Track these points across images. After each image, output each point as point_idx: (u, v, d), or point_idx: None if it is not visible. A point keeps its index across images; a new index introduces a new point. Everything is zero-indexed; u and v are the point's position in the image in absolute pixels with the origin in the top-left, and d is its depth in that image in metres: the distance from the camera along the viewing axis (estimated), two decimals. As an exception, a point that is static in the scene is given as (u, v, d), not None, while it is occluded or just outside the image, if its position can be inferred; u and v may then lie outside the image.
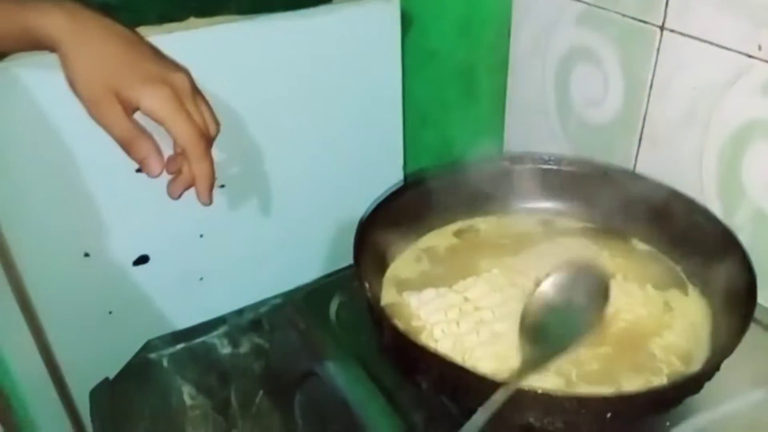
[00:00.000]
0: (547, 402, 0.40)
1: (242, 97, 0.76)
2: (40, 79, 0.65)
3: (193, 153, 0.58)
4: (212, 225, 0.82)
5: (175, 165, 0.61)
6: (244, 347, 0.75)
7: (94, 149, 0.68)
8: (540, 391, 0.40)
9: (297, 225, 0.88)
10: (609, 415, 0.40)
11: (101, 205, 0.74)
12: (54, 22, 0.56)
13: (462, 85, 0.89)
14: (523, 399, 0.40)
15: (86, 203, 0.73)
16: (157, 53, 0.61)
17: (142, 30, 0.64)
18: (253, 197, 0.85)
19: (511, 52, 0.79)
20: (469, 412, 0.39)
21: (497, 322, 0.51)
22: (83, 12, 0.57)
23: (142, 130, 0.58)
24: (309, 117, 0.83)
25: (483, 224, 0.63)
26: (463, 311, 0.52)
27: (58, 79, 0.58)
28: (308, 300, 0.62)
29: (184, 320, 0.82)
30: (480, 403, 0.39)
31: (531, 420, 0.41)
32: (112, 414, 0.66)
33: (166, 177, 0.63)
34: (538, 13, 0.73)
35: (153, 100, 0.56)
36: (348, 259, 0.57)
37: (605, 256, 0.59)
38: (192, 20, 0.69)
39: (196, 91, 0.60)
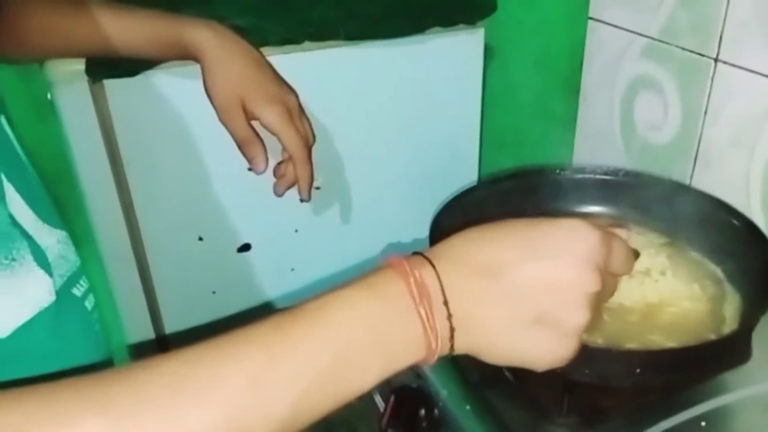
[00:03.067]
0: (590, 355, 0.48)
1: (338, 112, 0.88)
2: (177, 85, 0.78)
3: (298, 158, 0.73)
4: (305, 222, 0.93)
5: (283, 168, 0.75)
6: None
7: (214, 149, 0.81)
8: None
9: (377, 228, 0.98)
10: (638, 370, 0.47)
11: (216, 197, 0.87)
12: (202, 38, 0.69)
13: (537, 111, 0.97)
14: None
15: (204, 194, 0.86)
16: (275, 74, 0.75)
17: (265, 50, 0.77)
18: (341, 200, 0.96)
19: (583, 82, 0.87)
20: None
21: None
22: (225, 32, 0.71)
23: (257, 135, 0.73)
24: (394, 133, 0.94)
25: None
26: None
27: (191, 86, 0.72)
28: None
29: (276, 305, 0.94)
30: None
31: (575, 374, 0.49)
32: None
33: (269, 177, 0.77)
34: (608, 46, 0.81)
35: (271, 116, 0.70)
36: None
37: (659, 258, 0.65)
38: (307, 43, 0.81)
39: (301, 110, 0.75)
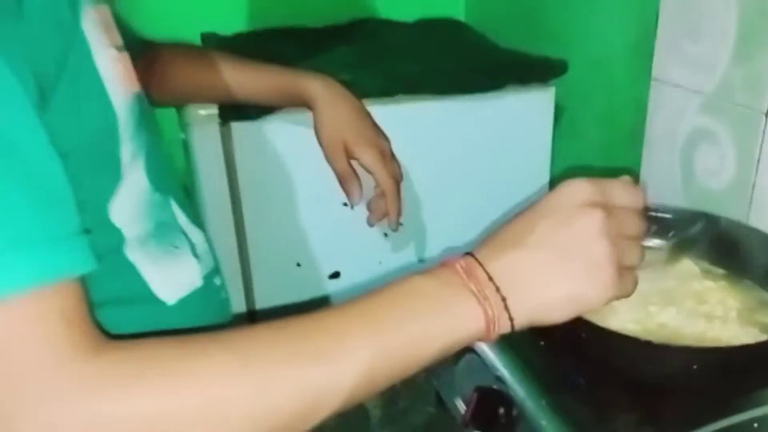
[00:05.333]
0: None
1: (422, 157, 0.99)
2: (289, 129, 0.91)
3: (389, 194, 0.84)
4: (387, 255, 1.03)
5: (375, 203, 0.86)
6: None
7: (315, 185, 0.94)
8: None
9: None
10: (695, 366, 0.54)
11: (314, 228, 0.99)
12: (315, 89, 0.82)
13: (602, 161, 1.07)
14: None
15: (305, 224, 0.98)
16: (373, 122, 0.87)
17: (365, 100, 0.90)
18: (417, 239, 1.06)
19: (646, 134, 0.96)
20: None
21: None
22: (334, 84, 0.84)
23: (355, 172, 0.85)
24: (469, 179, 1.05)
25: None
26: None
27: (300, 131, 0.85)
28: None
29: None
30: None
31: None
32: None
33: (360, 214, 0.88)
34: (669, 103, 0.91)
35: (368, 157, 0.82)
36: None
37: (719, 291, 0.72)
38: (400, 96, 0.94)
39: (392, 153, 0.87)
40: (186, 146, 0.91)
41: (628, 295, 0.46)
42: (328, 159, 0.85)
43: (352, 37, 1.25)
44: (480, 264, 0.44)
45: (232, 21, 1.38)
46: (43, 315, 0.37)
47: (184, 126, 0.90)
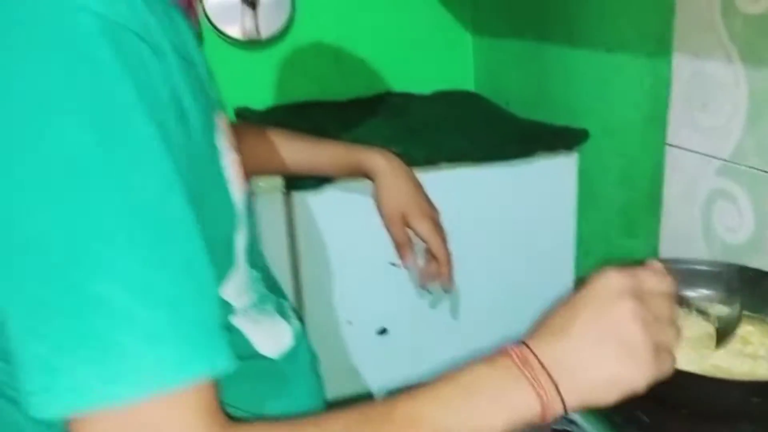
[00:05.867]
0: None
1: (460, 219, 1.07)
2: (344, 197, 0.99)
3: (443, 260, 0.91)
4: (428, 312, 1.10)
5: (428, 267, 0.93)
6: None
7: (366, 247, 1.01)
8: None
9: (486, 321, 1.15)
10: (754, 399, 0.62)
11: (363, 287, 1.05)
12: (377, 163, 0.90)
13: (621, 222, 1.16)
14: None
15: (356, 283, 1.05)
16: (426, 193, 0.94)
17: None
18: (452, 298, 1.13)
19: (664, 195, 1.06)
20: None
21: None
22: (393, 157, 0.92)
23: (410, 239, 0.92)
24: (503, 238, 1.13)
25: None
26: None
27: (354, 198, 0.93)
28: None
29: (413, 379, 1.09)
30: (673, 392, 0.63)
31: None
32: None
33: (405, 274, 0.95)
34: (685, 167, 1.01)
35: (424, 228, 0.90)
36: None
37: (759, 333, 0.80)
38: (443, 164, 1.03)
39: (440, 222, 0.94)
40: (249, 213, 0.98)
41: (667, 373, 0.49)
42: (388, 227, 0.92)
43: (379, 110, 1.35)
44: (533, 352, 0.48)
45: (261, 96, 1.48)
46: (194, 405, 0.40)
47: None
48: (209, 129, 0.52)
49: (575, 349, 0.47)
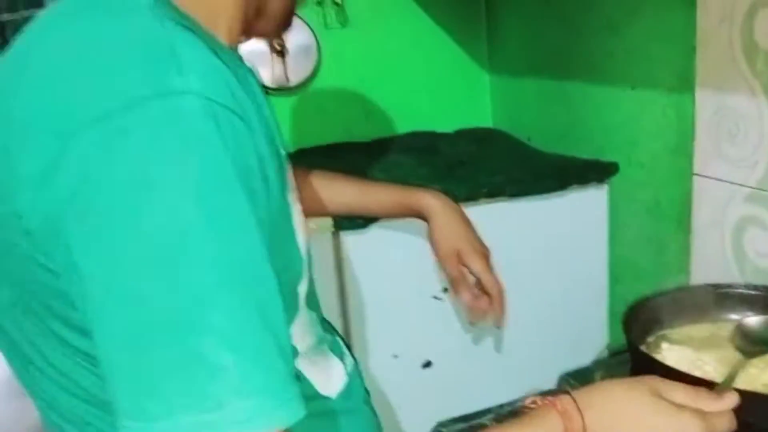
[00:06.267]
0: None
1: (500, 251, 1.11)
2: (390, 235, 1.04)
3: (496, 297, 0.92)
4: (469, 348, 1.14)
5: (479, 303, 0.95)
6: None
7: (411, 284, 1.05)
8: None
9: (521, 352, 1.18)
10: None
11: (408, 321, 1.09)
12: (430, 203, 0.92)
13: (652, 250, 1.20)
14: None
15: (402, 318, 1.08)
16: (476, 231, 0.96)
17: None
18: (495, 333, 1.17)
19: (693, 222, 1.10)
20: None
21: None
22: (446, 199, 0.94)
23: (464, 275, 0.94)
24: (536, 270, 1.17)
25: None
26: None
27: (399, 236, 0.96)
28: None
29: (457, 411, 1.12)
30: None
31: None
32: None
33: (448, 308, 0.98)
34: (714, 196, 1.05)
35: (477, 265, 0.91)
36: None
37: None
38: (482, 199, 1.08)
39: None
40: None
41: None
42: (442, 264, 0.94)
43: (408, 149, 1.40)
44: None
45: (291, 139, 1.54)
46: None
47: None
48: (284, 187, 0.55)
49: None
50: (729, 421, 0.56)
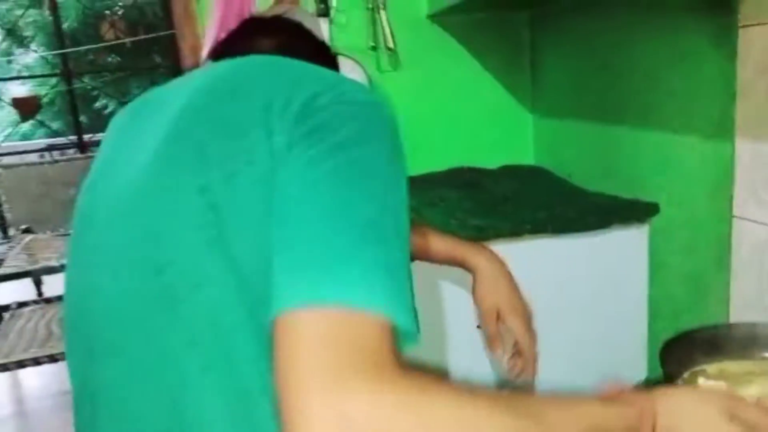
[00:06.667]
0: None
1: (541, 285, 1.16)
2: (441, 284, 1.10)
3: (529, 358, 0.97)
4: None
5: (514, 361, 1.00)
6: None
7: (456, 320, 1.10)
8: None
9: (558, 383, 1.22)
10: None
11: (452, 350, 1.14)
12: (480, 261, 0.97)
13: (691, 288, 1.24)
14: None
15: (443, 349, 1.14)
16: (520, 292, 1.00)
17: (498, 240, 1.09)
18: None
19: (732, 264, 1.14)
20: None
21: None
22: (494, 257, 0.99)
23: (501, 334, 0.99)
24: (577, 305, 1.22)
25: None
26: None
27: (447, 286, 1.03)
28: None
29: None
30: None
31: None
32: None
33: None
34: (753, 237, 1.09)
35: (516, 325, 0.96)
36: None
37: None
38: (526, 235, 1.14)
39: (531, 317, 1.01)
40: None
41: None
42: (482, 321, 1.00)
43: (455, 184, 1.47)
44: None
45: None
46: (393, 338, 0.48)
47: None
48: None
49: None
50: None
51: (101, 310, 0.62)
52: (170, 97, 0.67)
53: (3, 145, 5.55)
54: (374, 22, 1.61)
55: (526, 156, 1.78)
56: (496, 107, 1.75)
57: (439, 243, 1.00)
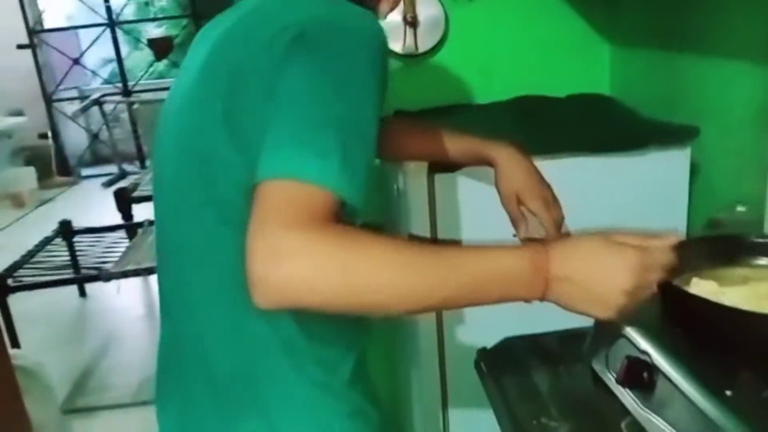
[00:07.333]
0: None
1: (574, 204, 1.23)
2: (470, 182, 1.21)
3: (549, 228, 1.07)
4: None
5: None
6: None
7: (491, 221, 1.21)
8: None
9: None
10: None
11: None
12: (499, 153, 1.08)
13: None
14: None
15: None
16: (540, 175, 1.10)
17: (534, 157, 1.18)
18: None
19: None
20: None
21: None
22: (513, 149, 1.09)
23: (524, 215, 1.09)
24: (616, 225, 1.28)
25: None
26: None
27: (476, 184, 1.13)
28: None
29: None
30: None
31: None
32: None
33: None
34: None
35: (534, 206, 1.06)
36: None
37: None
38: (563, 154, 1.22)
39: (554, 198, 1.11)
40: (399, 192, 1.24)
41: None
42: (504, 205, 1.11)
43: (514, 110, 1.55)
44: (548, 269, 0.70)
45: (416, 100, 1.74)
46: (330, 204, 0.64)
47: (398, 177, 1.23)
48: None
49: (574, 284, 0.70)
50: (667, 256, 0.72)
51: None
52: (211, 30, 0.85)
53: (141, 83, 6.10)
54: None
55: (602, 86, 1.79)
56: (572, 36, 1.77)
57: (457, 143, 1.11)
